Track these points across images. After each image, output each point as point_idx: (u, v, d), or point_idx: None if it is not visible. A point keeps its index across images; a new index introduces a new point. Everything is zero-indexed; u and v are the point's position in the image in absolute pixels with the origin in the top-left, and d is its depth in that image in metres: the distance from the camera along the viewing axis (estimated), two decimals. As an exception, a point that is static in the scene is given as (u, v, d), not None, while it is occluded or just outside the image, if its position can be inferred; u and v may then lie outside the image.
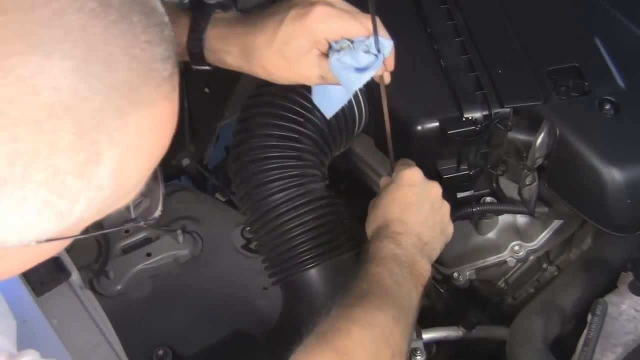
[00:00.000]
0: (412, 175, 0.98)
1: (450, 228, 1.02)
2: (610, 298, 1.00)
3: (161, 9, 0.53)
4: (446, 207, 1.00)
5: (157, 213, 0.63)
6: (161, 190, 0.63)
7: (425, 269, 0.93)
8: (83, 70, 0.46)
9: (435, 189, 0.99)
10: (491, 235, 1.23)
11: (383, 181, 1.01)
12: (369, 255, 0.91)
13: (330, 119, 1.06)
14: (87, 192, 0.48)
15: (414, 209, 0.96)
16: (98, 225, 0.57)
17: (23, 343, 0.87)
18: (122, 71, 0.47)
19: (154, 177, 0.56)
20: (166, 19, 0.53)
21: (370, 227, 0.97)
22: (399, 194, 0.97)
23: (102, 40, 0.47)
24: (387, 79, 0.94)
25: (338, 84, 0.87)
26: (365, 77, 0.85)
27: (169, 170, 1.64)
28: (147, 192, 0.58)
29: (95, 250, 1.33)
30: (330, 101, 0.95)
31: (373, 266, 0.88)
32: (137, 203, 0.58)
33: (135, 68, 0.48)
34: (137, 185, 0.54)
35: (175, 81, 0.52)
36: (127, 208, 0.57)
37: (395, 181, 0.98)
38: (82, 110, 0.46)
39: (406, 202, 0.97)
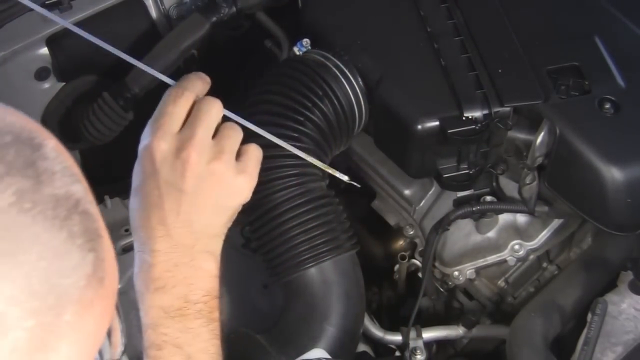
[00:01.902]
0: (151, 152, 0.71)
1: (241, 179, 0.77)
2: (610, 297, 1.00)
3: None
4: (225, 160, 0.74)
5: (117, 355, 0.58)
6: (119, 327, 0.57)
7: (206, 282, 0.74)
8: None
9: (192, 153, 0.72)
10: (491, 234, 1.23)
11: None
12: (144, 319, 0.74)
13: (331, 118, 1.06)
14: None
15: (163, 209, 0.72)
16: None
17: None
18: None
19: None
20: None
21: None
22: (141, 190, 0.73)
23: None
24: None
25: None
26: None
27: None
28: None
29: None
30: None
31: (153, 350, 0.73)
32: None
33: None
34: None
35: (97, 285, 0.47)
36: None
37: (137, 161, 0.73)
38: None
39: (148, 204, 0.72)
